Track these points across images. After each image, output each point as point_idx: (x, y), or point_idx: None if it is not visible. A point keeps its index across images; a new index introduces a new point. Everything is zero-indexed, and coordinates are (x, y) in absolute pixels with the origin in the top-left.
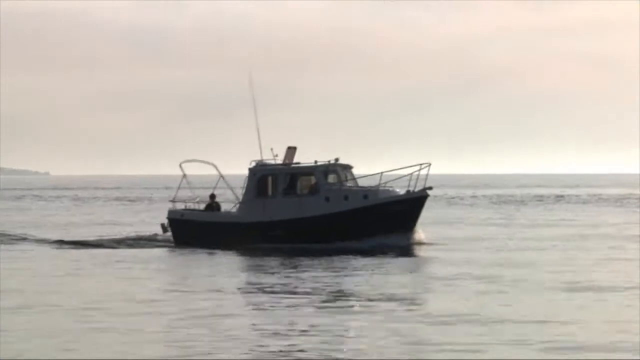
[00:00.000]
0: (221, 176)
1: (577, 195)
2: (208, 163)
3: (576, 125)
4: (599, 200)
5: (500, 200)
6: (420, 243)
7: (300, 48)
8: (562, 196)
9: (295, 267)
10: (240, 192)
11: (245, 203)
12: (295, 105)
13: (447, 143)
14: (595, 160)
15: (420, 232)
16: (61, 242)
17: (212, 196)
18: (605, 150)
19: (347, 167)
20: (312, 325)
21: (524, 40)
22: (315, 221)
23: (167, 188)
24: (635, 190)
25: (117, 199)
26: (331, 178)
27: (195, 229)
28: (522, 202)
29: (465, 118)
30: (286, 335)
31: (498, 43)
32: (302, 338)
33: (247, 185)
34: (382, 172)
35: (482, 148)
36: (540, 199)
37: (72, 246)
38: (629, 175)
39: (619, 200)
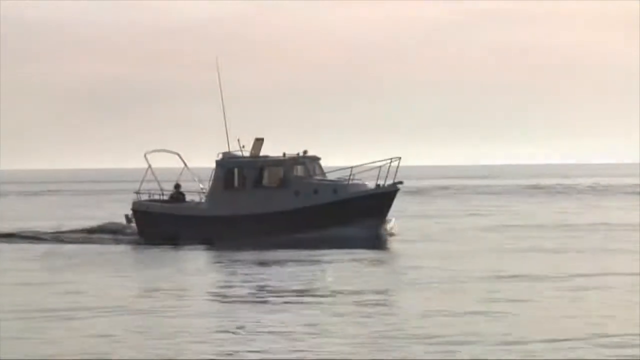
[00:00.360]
0: (185, 166)
1: (488, 186)
2: (172, 152)
3: (484, 116)
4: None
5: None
6: (391, 235)
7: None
8: (465, 186)
9: (262, 262)
10: (207, 184)
11: (212, 195)
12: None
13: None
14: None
15: (392, 224)
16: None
17: (177, 186)
18: (507, 142)
19: (315, 159)
20: (280, 323)
21: (436, 32)
22: (284, 215)
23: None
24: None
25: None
26: (299, 170)
27: (161, 222)
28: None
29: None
30: (252, 334)
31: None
32: (267, 337)
33: (214, 177)
34: (352, 167)
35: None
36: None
37: (28, 241)
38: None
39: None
